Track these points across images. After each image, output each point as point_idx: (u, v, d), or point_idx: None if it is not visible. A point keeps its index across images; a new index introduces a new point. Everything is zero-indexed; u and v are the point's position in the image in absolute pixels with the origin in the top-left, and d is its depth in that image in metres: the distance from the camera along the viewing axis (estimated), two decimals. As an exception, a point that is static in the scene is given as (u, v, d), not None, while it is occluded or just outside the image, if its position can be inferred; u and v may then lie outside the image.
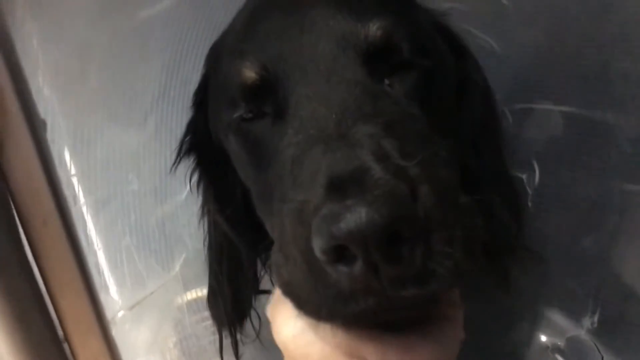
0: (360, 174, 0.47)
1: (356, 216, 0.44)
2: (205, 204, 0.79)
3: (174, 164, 0.75)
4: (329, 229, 0.45)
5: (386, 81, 0.61)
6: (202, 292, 0.97)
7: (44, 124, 0.36)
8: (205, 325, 0.96)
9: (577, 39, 0.80)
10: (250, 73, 0.62)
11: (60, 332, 0.39)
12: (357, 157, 0.49)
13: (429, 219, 0.47)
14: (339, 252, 0.45)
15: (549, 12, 0.82)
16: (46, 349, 0.38)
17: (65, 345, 0.39)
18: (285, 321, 0.59)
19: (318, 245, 0.46)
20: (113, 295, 0.84)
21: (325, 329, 0.56)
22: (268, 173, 0.62)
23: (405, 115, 0.58)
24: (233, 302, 0.79)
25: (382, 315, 0.52)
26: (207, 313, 0.96)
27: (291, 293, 0.54)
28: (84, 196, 0.84)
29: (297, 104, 0.59)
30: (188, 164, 0.77)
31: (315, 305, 0.52)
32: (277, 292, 0.65)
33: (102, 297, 0.77)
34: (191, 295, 0.96)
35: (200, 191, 0.78)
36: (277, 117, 0.61)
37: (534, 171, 0.85)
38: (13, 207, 0.35)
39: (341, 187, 0.47)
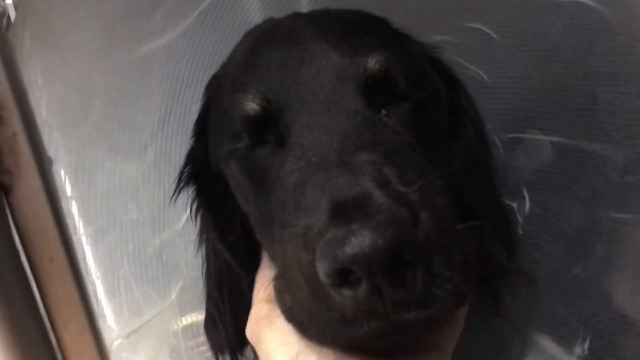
0: (363, 200, 0.49)
1: (361, 240, 0.45)
2: (203, 232, 0.80)
3: (174, 193, 0.76)
4: (334, 252, 0.46)
5: (383, 111, 0.63)
6: (197, 317, 0.97)
7: (50, 161, 0.37)
8: (200, 351, 0.96)
9: (564, 71, 0.81)
10: (252, 105, 0.64)
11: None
12: (360, 183, 0.51)
13: (429, 243, 0.48)
14: (343, 276, 0.47)
15: (537, 44, 0.83)
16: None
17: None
18: (278, 347, 0.60)
19: (323, 268, 0.47)
20: (110, 323, 0.84)
21: (321, 354, 0.56)
22: (269, 199, 0.64)
23: (402, 144, 0.60)
24: (235, 329, 0.79)
25: (384, 339, 0.53)
26: (202, 338, 0.96)
27: (294, 318, 0.55)
28: (84, 226, 0.85)
29: (299, 132, 0.61)
30: (186, 193, 0.78)
31: (319, 328, 0.53)
32: (256, 311, 0.66)
33: (99, 326, 0.77)
34: (186, 320, 0.96)
35: (198, 220, 0.79)
36: (279, 145, 0.63)
37: (525, 199, 0.86)
38: (21, 246, 0.36)
39: (344, 213, 0.49)
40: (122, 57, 0.93)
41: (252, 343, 0.67)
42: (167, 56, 0.95)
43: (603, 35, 0.78)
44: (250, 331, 0.67)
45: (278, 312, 0.61)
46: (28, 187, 0.34)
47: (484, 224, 0.73)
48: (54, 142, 0.82)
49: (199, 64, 0.94)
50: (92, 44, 0.91)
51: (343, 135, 0.57)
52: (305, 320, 0.54)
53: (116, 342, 0.84)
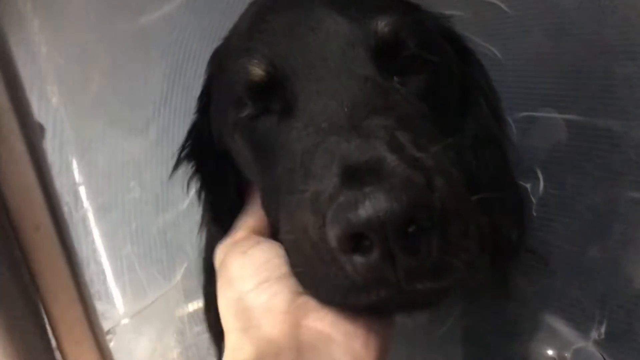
0: (377, 163, 0.47)
1: (375, 203, 0.43)
2: (205, 210, 0.78)
3: (173, 170, 0.74)
4: (347, 216, 0.44)
5: (395, 79, 0.61)
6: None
7: (41, 128, 0.36)
8: (207, 337, 0.96)
9: (580, 46, 0.80)
10: (257, 70, 0.62)
11: (53, 341, 0.38)
12: (372, 147, 0.49)
13: (445, 211, 0.46)
14: (355, 242, 0.45)
15: (550, 18, 0.82)
16: (38, 357, 0.37)
17: (58, 354, 0.39)
18: (244, 274, 0.59)
19: (334, 233, 0.46)
20: (114, 304, 0.84)
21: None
22: (275, 168, 0.62)
23: (414, 110, 0.58)
24: None
25: (392, 308, 0.51)
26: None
27: (303, 282, 0.54)
28: (87, 200, 0.84)
29: (307, 99, 0.59)
30: (189, 170, 0.77)
31: (327, 295, 0.51)
32: (232, 235, 0.65)
33: (103, 306, 0.77)
34: (193, 306, 0.95)
35: (201, 199, 0.78)
36: (285, 114, 0.61)
37: (538, 180, 0.84)
38: (5, 212, 0.35)
39: (357, 176, 0.47)
40: (122, 27, 0.91)
41: (216, 267, 0.64)
42: (169, 28, 0.93)
43: (620, 7, 0.75)
44: (219, 254, 0.65)
45: (256, 241, 0.61)
46: (11, 153, 0.33)
47: (493, 198, 0.71)
48: (59, 118, 0.80)
49: (201, 38, 0.92)
50: (90, 12, 0.90)
51: (354, 101, 0.56)
52: (314, 286, 0.53)
53: (121, 323, 0.83)
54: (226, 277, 0.60)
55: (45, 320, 0.37)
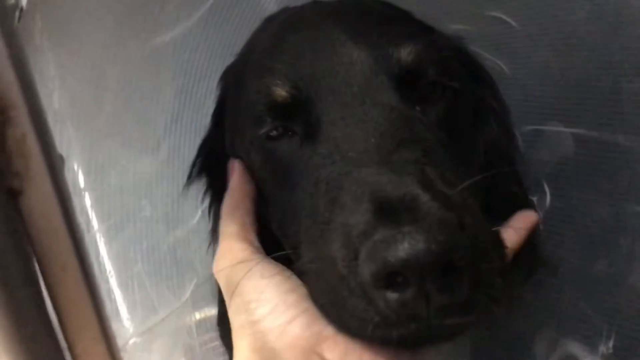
0: (411, 202, 0.48)
1: (413, 244, 0.44)
2: (216, 227, 0.78)
3: (185, 185, 0.74)
4: (384, 255, 0.44)
5: (417, 108, 0.62)
6: (211, 311, 0.96)
7: (62, 160, 0.36)
8: (213, 346, 0.96)
9: (586, 59, 0.80)
10: (280, 91, 0.62)
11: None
12: (405, 183, 0.50)
13: (474, 249, 0.47)
14: (390, 279, 0.45)
15: (558, 32, 0.82)
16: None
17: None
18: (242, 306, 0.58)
19: (370, 270, 0.46)
20: (124, 322, 0.84)
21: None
22: (294, 190, 0.62)
23: (437, 142, 0.59)
24: None
25: (420, 342, 0.52)
26: (215, 333, 0.96)
27: (327, 313, 0.54)
28: (98, 223, 0.84)
29: (331, 125, 0.59)
30: (200, 188, 0.77)
31: (355, 328, 0.51)
32: (230, 249, 0.63)
33: (114, 325, 0.76)
34: (200, 315, 0.96)
35: (211, 215, 0.78)
36: (307, 137, 0.62)
37: (545, 193, 0.84)
38: (33, 252, 0.35)
39: (392, 213, 0.47)
40: (135, 49, 0.91)
41: (220, 281, 0.64)
42: (180, 48, 0.93)
43: (627, 22, 0.76)
44: (223, 270, 0.63)
45: (259, 258, 0.60)
46: (38, 191, 0.33)
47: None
48: (66, 136, 0.81)
49: (212, 57, 0.92)
50: (103, 35, 0.90)
51: (380, 130, 0.56)
52: (341, 318, 0.53)
53: (130, 341, 0.83)
54: (241, 300, 0.59)
55: (69, 357, 0.37)
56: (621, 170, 0.78)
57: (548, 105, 0.84)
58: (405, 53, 0.62)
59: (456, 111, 0.66)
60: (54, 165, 0.34)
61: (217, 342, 0.95)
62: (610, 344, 0.79)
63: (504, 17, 0.85)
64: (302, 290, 0.56)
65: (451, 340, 0.55)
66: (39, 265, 0.33)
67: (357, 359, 0.53)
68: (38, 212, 0.33)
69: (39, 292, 0.33)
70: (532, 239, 0.78)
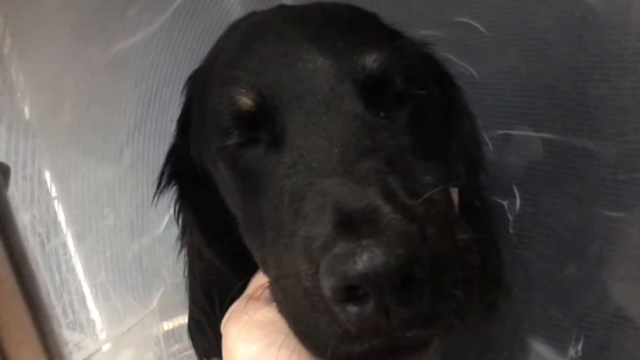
0: (372, 213, 0.47)
1: (372, 257, 0.43)
2: (185, 234, 0.77)
3: (155, 194, 0.73)
4: (343, 268, 0.44)
5: (382, 114, 0.61)
6: (179, 321, 0.95)
7: (6, 169, 0.35)
8: (182, 357, 0.95)
9: (554, 65, 0.80)
10: (245, 100, 0.61)
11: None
12: (367, 195, 0.49)
13: (436, 261, 0.46)
14: (350, 292, 0.45)
15: (527, 39, 0.82)
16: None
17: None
18: (238, 344, 0.58)
19: (329, 284, 0.45)
20: (90, 332, 0.82)
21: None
22: (259, 201, 0.61)
23: (402, 149, 0.58)
24: None
25: (382, 355, 0.51)
26: (184, 344, 0.95)
27: (293, 327, 0.53)
28: (59, 232, 0.82)
29: (296, 134, 0.58)
30: (167, 195, 0.76)
31: (318, 342, 0.51)
32: (234, 306, 0.64)
33: (79, 336, 0.75)
34: (168, 325, 0.94)
35: (180, 222, 0.77)
36: (272, 146, 0.61)
37: (515, 197, 0.85)
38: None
39: (352, 226, 0.47)
40: (94, 55, 0.90)
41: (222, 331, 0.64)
42: (143, 54, 0.92)
43: (594, 29, 0.76)
44: (222, 325, 0.64)
45: (254, 309, 0.59)
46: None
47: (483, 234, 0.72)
48: (34, 145, 0.79)
49: (176, 62, 0.91)
50: (61, 41, 0.88)
51: (343, 140, 0.55)
52: (304, 332, 0.52)
53: (97, 351, 0.82)
54: (226, 347, 0.59)
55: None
56: (589, 175, 0.79)
57: (517, 110, 0.84)
58: (371, 60, 0.61)
59: (423, 118, 0.65)
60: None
61: (187, 352, 0.94)
62: (580, 347, 0.80)
63: (473, 23, 0.85)
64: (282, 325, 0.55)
65: (416, 354, 0.55)
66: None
67: None
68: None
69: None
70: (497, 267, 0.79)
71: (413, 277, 0.44)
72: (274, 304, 0.57)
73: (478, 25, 0.85)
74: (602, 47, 0.76)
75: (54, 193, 0.82)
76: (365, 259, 0.43)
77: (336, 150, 0.54)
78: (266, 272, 0.60)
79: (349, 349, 0.48)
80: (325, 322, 0.48)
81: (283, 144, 0.59)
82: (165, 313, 0.93)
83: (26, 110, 0.82)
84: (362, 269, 0.43)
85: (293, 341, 0.54)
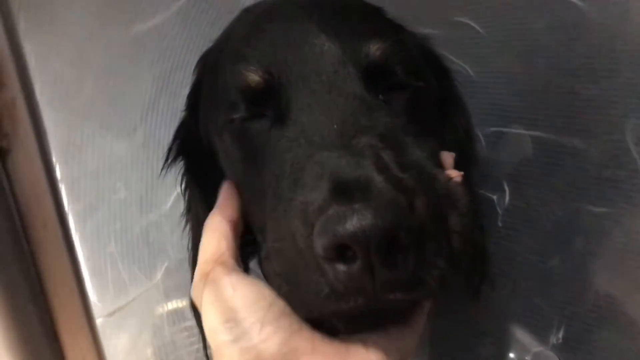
0: (365, 182, 0.51)
1: (362, 219, 0.47)
2: (190, 209, 0.81)
3: (162, 168, 0.76)
4: (335, 228, 0.48)
5: (380, 97, 0.65)
6: (183, 303, 0.98)
7: (44, 130, 0.38)
8: (183, 336, 0.97)
9: (547, 66, 0.83)
10: (254, 76, 0.66)
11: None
12: (361, 166, 0.53)
13: (422, 230, 0.50)
14: (340, 252, 0.48)
15: (522, 40, 0.85)
16: (39, 342, 0.40)
17: (55, 344, 0.41)
18: (212, 326, 0.59)
19: (321, 243, 0.49)
20: (94, 300, 0.85)
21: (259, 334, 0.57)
22: (262, 174, 0.65)
23: (397, 128, 0.62)
24: None
25: (365, 316, 0.55)
26: (186, 324, 0.97)
27: (281, 287, 0.57)
28: (72, 202, 0.85)
29: (299, 111, 0.62)
30: (175, 173, 0.79)
31: (306, 300, 0.54)
32: (200, 270, 0.66)
33: (83, 303, 0.78)
34: (172, 305, 0.97)
35: (186, 197, 0.80)
36: (277, 121, 0.65)
37: (505, 192, 0.88)
38: (15, 209, 0.38)
39: (346, 192, 0.50)
40: (116, 35, 0.93)
41: (196, 304, 0.66)
42: (159, 37, 0.95)
43: (584, 32, 0.80)
44: (195, 294, 0.66)
45: (222, 273, 0.62)
46: (25, 151, 0.35)
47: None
48: (45, 119, 0.81)
49: (189, 47, 0.95)
50: (86, 20, 0.92)
51: (343, 117, 0.60)
52: (293, 291, 0.56)
53: (100, 319, 0.85)
54: (215, 320, 0.60)
55: (45, 310, 0.39)
56: (576, 172, 0.82)
57: (510, 109, 0.88)
58: (374, 49, 0.66)
59: (419, 107, 0.69)
60: (40, 130, 0.36)
61: (187, 333, 0.97)
62: (561, 335, 0.83)
63: (471, 23, 0.88)
64: (280, 304, 0.58)
65: (399, 320, 0.59)
66: (21, 221, 0.36)
67: None
68: (23, 171, 0.35)
69: (21, 247, 0.35)
70: (485, 253, 0.82)
71: (399, 243, 0.48)
72: (244, 271, 0.60)
73: (476, 26, 0.88)
74: (591, 49, 0.79)
75: (61, 167, 0.84)
76: (356, 221, 0.47)
77: (335, 126, 0.59)
78: (263, 239, 0.63)
79: (335, 307, 0.52)
80: (315, 280, 0.52)
81: (287, 119, 0.63)
82: (169, 292, 0.96)
83: (46, 85, 0.84)
84: (352, 229, 0.47)
85: (275, 316, 0.58)
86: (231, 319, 0.58)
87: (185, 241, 0.82)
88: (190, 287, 0.67)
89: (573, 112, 0.82)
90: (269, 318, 0.57)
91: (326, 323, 0.59)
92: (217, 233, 0.68)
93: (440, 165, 0.65)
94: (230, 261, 0.65)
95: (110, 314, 0.85)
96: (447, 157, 0.68)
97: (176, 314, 0.97)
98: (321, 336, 0.58)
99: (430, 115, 0.74)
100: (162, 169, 0.76)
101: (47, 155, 0.34)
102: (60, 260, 0.36)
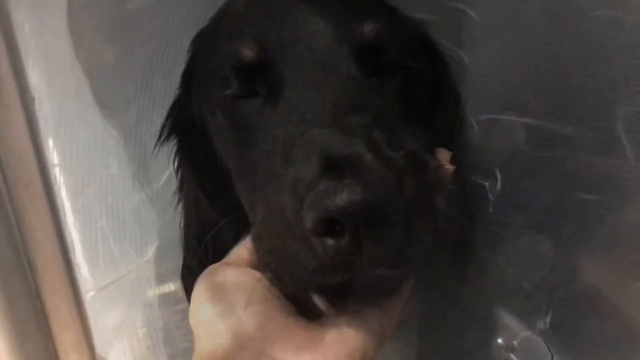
0: (356, 159, 0.52)
1: (351, 194, 0.48)
2: (183, 185, 0.81)
3: (156, 144, 0.77)
4: (325, 202, 0.49)
5: (374, 79, 0.66)
6: (175, 286, 0.99)
7: (32, 99, 0.39)
8: (177, 318, 0.98)
9: (539, 53, 0.83)
10: (248, 52, 0.67)
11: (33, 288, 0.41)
12: (352, 143, 0.54)
13: (409, 208, 0.51)
14: (328, 227, 0.49)
15: (516, 26, 0.85)
16: (20, 304, 0.40)
17: (38, 302, 0.42)
18: (202, 303, 0.61)
19: (311, 217, 0.50)
20: (85, 275, 0.86)
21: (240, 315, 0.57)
22: (253, 150, 0.66)
23: (389, 109, 0.63)
24: None
25: (352, 290, 0.56)
26: (178, 307, 0.98)
27: (269, 263, 0.58)
28: (65, 177, 0.86)
29: (293, 88, 0.63)
30: (168, 151, 0.79)
31: (293, 275, 0.55)
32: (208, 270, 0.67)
33: (73, 277, 0.79)
34: (164, 289, 0.98)
35: (179, 175, 0.81)
36: (270, 99, 0.66)
37: (497, 179, 0.88)
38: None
39: (337, 168, 0.52)
40: (109, 11, 0.94)
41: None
42: (152, 15, 0.96)
43: (577, 19, 0.79)
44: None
45: (225, 272, 0.64)
46: (8, 112, 0.36)
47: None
48: (37, 95, 0.82)
49: (182, 26, 0.95)
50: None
51: (336, 96, 0.61)
52: (282, 265, 0.56)
53: (90, 294, 0.86)
54: (191, 308, 0.63)
55: (29, 270, 0.40)
56: (567, 160, 0.82)
57: (504, 96, 0.87)
58: (368, 29, 0.67)
59: (412, 90, 0.70)
60: (25, 93, 0.37)
61: (179, 316, 0.98)
62: (548, 320, 0.84)
63: (465, 9, 0.88)
64: (259, 291, 0.60)
65: (383, 297, 0.60)
66: (5, 181, 0.36)
67: (309, 359, 0.56)
68: (7, 133, 0.36)
69: (4, 208, 0.36)
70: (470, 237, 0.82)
71: (386, 219, 0.49)
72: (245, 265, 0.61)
73: (470, 12, 0.88)
74: (583, 36, 0.79)
75: (58, 139, 0.85)
76: (345, 195, 0.48)
77: (328, 104, 0.60)
78: (253, 215, 0.64)
79: (323, 280, 0.53)
80: (304, 254, 0.53)
81: (279, 96, 0.64)
82: (160, 274, 0.97)
83: (39, 57, 0.85)
84: (341, 203, 0.48)
85: (258, 299, 0.59)
86: (210, 300, 0.61)
87: (177, 220, 0.83)
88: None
89: (564, 99, 0.82)
90: (252, 301, 0.59)
91: (309, 303, 0.60)
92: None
93: (432, 152, 0.66)
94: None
95: (101, 289, 0.86)
96: (444, 154, 0.69)
97: (169, 296, 0.98)
98: (297, 321, 0.58)
99: (423, 99, 0.75)
100: (154, 147, 0.77)
101: (30, 117, 0.35)
102: (43, 218, 0.37)
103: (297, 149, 0.57)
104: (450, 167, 0.62)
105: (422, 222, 0.53)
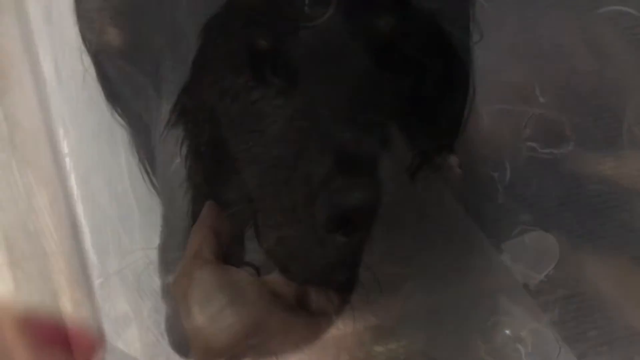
0: (371, 157, 0.54)
1: (366, 192, 0.49)
2: (190, 176, 0.82)
3: (162, 132, 0.77)
4: (340, 199, 0.50)
5: (389, 74, 0.66)
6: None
7: (44, 82, 0.39)
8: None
9: (549, 40, 0.84)
10: (262, 41, 0.66)
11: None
12: (367, 142, 0.55)
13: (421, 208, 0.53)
14: (341, 223, 0.50)
15: (526, 12, 0.85)
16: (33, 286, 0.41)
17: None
18: (198, 303, 0.62)
19: (324, 214, 0.51)
20: (94, 261, 0.86)
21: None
22: (263, 143, 0.66)
23: (403, 105, 0.63)
24: None
25: (356, 287, 0.57)
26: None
27: (275, 256, 0.58)
28: (74, 163, 0.86)
29: (307, 81, 0.63)
30: (176, 139, 0.79)
31: (302, 268, 0.56)
32: (184, 267, 0.67)
33: (83, 263, 0.79)
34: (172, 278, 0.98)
35: (187, 164, 0.81)
36: (283, 90, 0.66)
37: (506, 170, 0.88)
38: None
39: (351, 166, 0.53)
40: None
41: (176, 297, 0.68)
42: (162, 1, 0.95)
43: (588, 5, 0.79)
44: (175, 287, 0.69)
45: (204, 270, 0.64)
46: (23, 95, 0.36)
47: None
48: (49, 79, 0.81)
49: (193, 13, 0.94)
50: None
51: (350, 91, 0.61)
52: (289, 258, 0.57)
53: (99, 280, 0.86)
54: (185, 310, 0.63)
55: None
56: (576, 150, 0.82)
57: (513, 85, 0.87)
58: (383, 23, 0.67)
59: (426, 84, 0.70)
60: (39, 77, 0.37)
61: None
62: (552, 316, 0.84)
63: (475, -2, 0.88)
64: (256, 286, 0.60)
65: (388, 292, 0.60)
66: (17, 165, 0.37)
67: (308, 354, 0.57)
68: (21, 116, 0.36)
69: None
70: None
71: (399, 218, 0.50)
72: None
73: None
74: (594, 24, 0.79)
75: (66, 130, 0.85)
76: (360, 194, 0.49)
77: (343, 99, 0.60)
78: (260, 206, 0.64)
79: (331, 276, 0.54)
80: (314, 249, 0.54)
81: (293, 89, 0.64)
82: (170, 265, 0.97)
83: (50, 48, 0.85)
84: (357, 202, 0.49)
85: (253, 297, 0.59)
86: (206, 300, 0.60)
87: (185, 208, 0.83)
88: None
89: (574, 87, 0.82)
90: (248, 296, 0.59)
91: (310, 298, 0.60)
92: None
93: (443, 149, 0.66)
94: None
95: (108, 277, 0.86)
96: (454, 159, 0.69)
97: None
98: (296, 316, 0.59)
99: (436, 95, 0.75)
100: (163, 131, 0.77)
101: (50, 115, 0.35)
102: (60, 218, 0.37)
103: (310, 144, 0.58)
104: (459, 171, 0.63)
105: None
